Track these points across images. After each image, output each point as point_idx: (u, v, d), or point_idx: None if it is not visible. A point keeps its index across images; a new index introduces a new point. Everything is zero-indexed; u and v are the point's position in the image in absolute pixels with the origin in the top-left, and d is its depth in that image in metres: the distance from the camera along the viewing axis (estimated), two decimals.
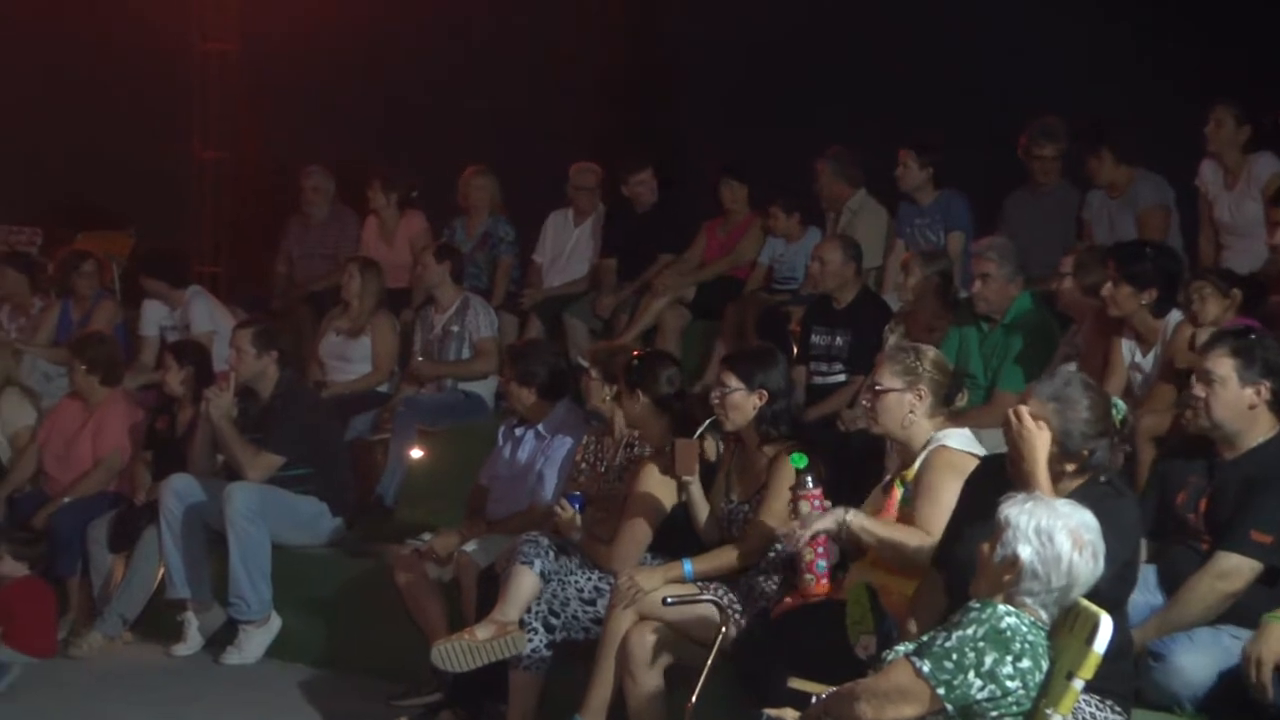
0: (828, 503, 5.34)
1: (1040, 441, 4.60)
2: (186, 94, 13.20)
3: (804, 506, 5.33)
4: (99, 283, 10.43)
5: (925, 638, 4.39)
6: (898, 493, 5.41)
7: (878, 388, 5.46)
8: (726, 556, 5.99)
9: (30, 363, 9.83)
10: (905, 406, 5.41)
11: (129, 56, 12.32)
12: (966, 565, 4.55)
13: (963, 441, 5.42)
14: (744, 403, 6.09)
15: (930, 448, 5.37)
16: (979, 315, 7.47)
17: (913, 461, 5.41)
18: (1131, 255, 6.79)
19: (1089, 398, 4.70)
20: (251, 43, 13.00)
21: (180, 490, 8.11)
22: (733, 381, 6.10)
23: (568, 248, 10.21)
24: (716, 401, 6.14)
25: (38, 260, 11.22)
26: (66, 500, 8.57)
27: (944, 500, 5.13)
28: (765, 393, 6.07)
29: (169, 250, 10.59)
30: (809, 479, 5.36)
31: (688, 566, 5.99)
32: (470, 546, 7.12)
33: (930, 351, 5.56)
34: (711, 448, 6.42)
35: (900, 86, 9.88)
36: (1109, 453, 4.73)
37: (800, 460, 5.53)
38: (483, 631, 6.28)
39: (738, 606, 5.83)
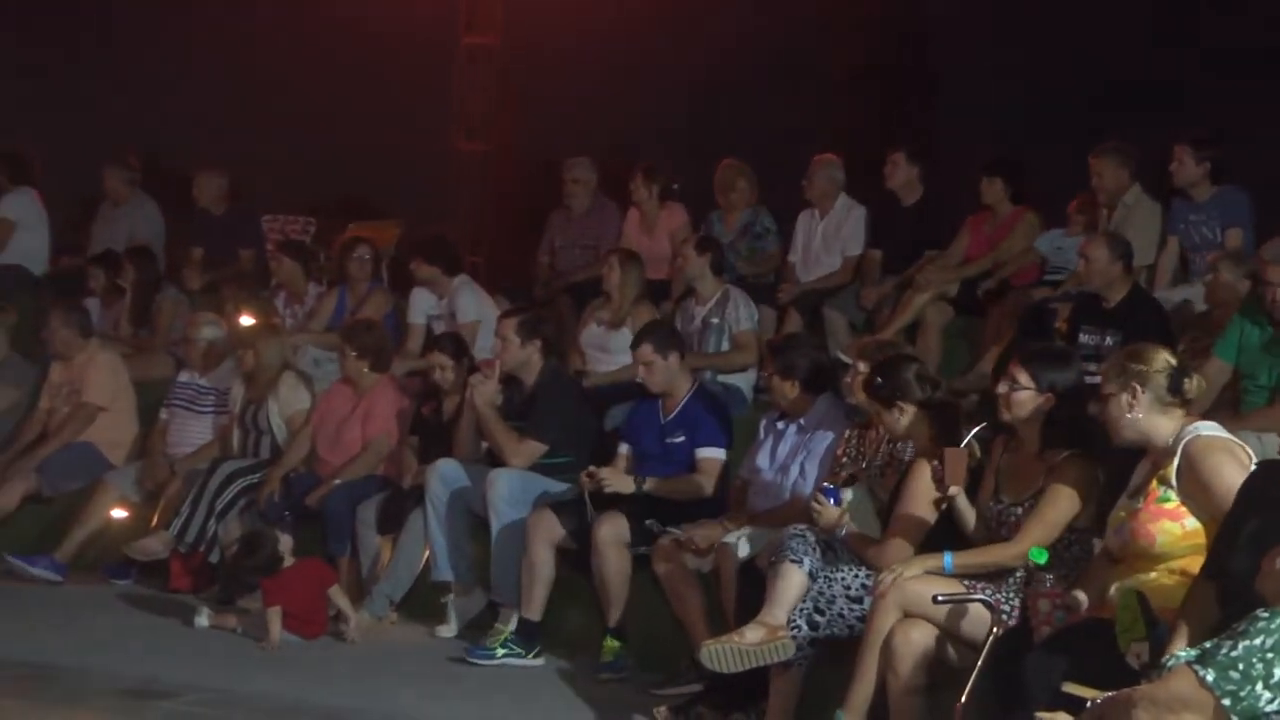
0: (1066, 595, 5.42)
1: None
2: (449, 87, 13.47)
3: (1044, 605, 5.41)
4: (373, 271, 10.66)
5: (1208, 645, 4.27)
6: (1157, 492, 5.30)
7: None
8: (992, 555, 5.88)
9: (303, 348, 10.12)
10: (1123, 407, 5.37)
11: (393, 51, 12.64)
12: (1243, 574, 4.40)
13: (1214, 429, 5.36)
14: (1029, 402, 5.99)
15: (1185, 440, 5.28)
16: (1276, 322, 7.16)
17: (1167, 461, 5.31)
18: None
19: None
20: (513, 36, 13.21)
21: (445, 475, 8.30)
22: (1023, 378, 6.00)
23: (813, 244, 10.15)
24: (1002, 393, 6.04)
25: (311, 249, 11.56)
26: (337, 482, 8.80)
27: (1228, 477, 5.12)
28: (1053, 396, 5.96)
29: (444, 237, 10.79)
30: (1049, 578, 5.45)
31: (948, 559, 5.91)
32: (731, 538, 7.12)
33: (1146, 350, 5.48)
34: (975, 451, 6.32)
35: (1168, 80, 9.65)
36: None
37: (1040, 555, 5.53)
38: (752, 634, 6.24)
39: (1006, 607, 5.73)
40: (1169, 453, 5.32)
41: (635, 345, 7.99)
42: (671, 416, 7.88)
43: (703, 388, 8.05)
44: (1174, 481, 5.27)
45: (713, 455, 7.78)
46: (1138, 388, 5.37)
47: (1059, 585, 5.57)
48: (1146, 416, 5.37)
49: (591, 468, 7.80)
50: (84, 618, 8.46)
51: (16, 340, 10.54)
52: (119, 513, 9.51)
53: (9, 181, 12.03)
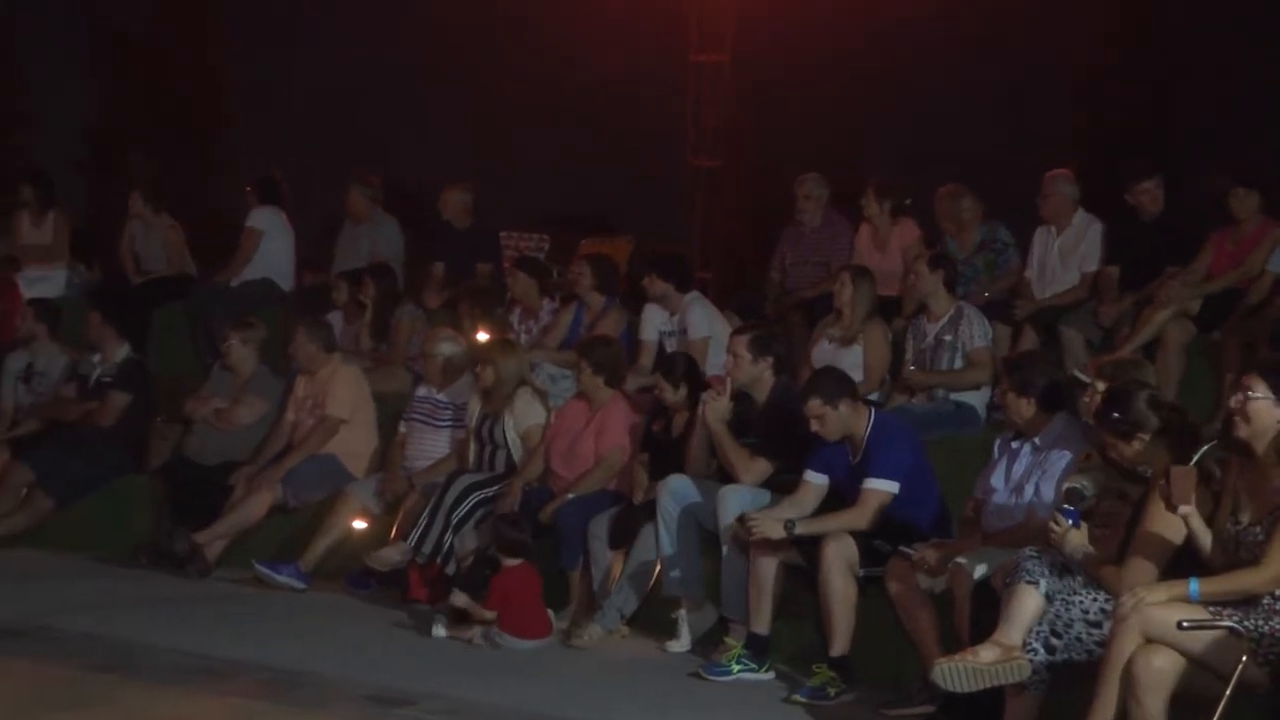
0: None
1: None
2: (680, 104, 13.55)
3: None
4: (610, 287, 10.71)
5: None
6: None
7: None
8: (1241, 581, 5.70)
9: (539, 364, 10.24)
10: None
11: (626, 69, 12.77)
12: None
13: None
14: (1266, 414, 5.80)
15: None
16: None
17: None
18: None
19: None
20: (744, 53, 13.23)
21: (677, 490, 8.34)
22: (1259, 389, 5.82)
23: (1049, 260, 9.98)
24: (1236, 406, 5.86)
25: (545, 265, 11.69)
26: (570, 496, 8.90)
27: None
28: None
29: (677, 254, 10.84)
30: None
31: (1194, 586, 5.75)
32: (965, 558, 7.03)
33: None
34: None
35: None
36: None
37: None
38: (987, 654, 6.16)
39: (1257, 634, 5.54)
40: None
41: (803, 400, 7.84)
42: (859, 459, 7.78)
43: (879, 419, 7.88)
44: None
45: (876, 487, 7.62)
46: None
47: None
48: None
49: (742, 513, 7.77)
50: (326, 625, 8.70)
51: (265, 354, 10.82)
52: (359, 523, 9.72)
53: (258, 201, 12.44)
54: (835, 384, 7.87)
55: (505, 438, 9.44)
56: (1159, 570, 6.00)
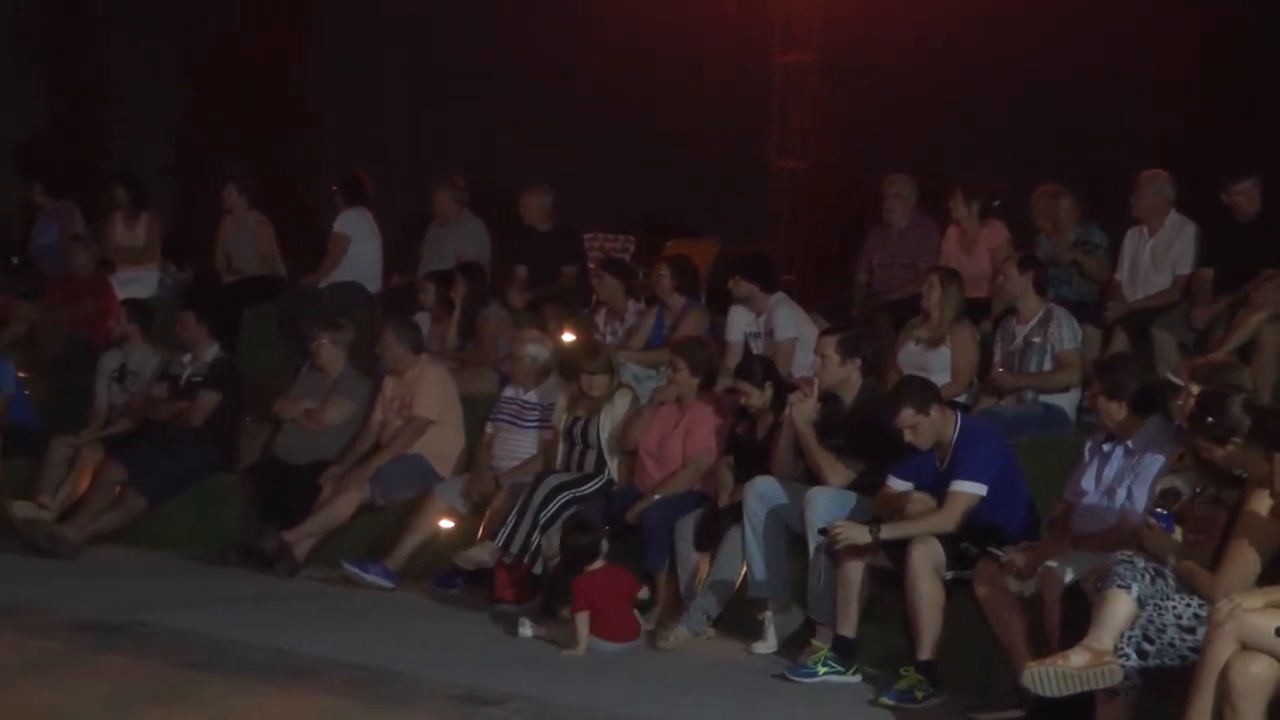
0: None
1: None
2: (765, 105, 13.54)
3: None
4: (689, 288, 10.72)
5: None
6: None
7: None
8: None
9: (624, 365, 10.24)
10: None
11: (711, 71, 12.78)
12: None
13: None
14: None
15: None
16: None
17: None
18: None
19: None
20: (830, 54, 13.21)
21: (763, 492, 8.33)
22: None
23: (1141, 262, 9.87)
24: None
25: (631, 266, 11.69)
26: (657, 497, 8.90)
27: None
28: None
29: (763, 255, 10.81)
30: None
31: None
32: (1055, 562, 6.96)
33: None
34: None
35: None
36: None
37: None
38: (1077, 658, 6.10)
39: None
40: None
41: (894, 413, 7.77)
42: (946, 464, 7.72)
43: (966, 423, 7.81)
44: None
45: (963, 489, 7.54)
46: None
47: None
48: None
49: (825, 525, 7.75)
50: (413, 624, 8.73)
51: (352, 355, 10.88)
52: (446, 523, 9.77)
53: (345, 203, 12.54)
54: (922, 391, 7.82)
55: (599, 438, 9.45)
56: (1257, 573, 5.92)
